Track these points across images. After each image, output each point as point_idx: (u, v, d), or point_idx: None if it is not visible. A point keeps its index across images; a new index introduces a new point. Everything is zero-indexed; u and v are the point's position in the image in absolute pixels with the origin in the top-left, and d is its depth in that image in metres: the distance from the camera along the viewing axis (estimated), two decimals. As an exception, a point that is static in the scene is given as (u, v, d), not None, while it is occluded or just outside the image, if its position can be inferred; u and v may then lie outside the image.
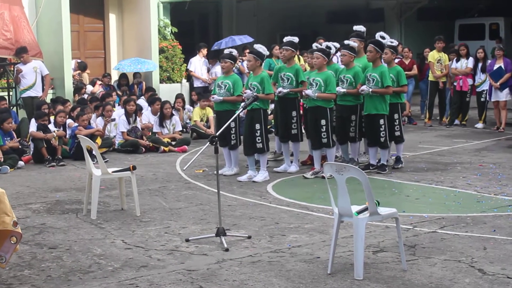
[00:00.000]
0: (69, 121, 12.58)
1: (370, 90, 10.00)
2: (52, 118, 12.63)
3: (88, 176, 8.09)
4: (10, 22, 14.47)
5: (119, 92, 16.27)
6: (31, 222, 7.66)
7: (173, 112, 14.04)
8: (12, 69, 14.47)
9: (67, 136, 12.25)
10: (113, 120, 13.05)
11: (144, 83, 16.80)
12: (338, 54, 10.89)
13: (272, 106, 11.89)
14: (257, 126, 9.99)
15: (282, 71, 10.54)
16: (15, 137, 11.97)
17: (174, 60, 17.82)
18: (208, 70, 17.55)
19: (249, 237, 6.85)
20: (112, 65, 17.76)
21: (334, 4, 24.00)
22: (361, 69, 10.34)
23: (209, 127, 14.40)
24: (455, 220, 7.49)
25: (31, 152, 11.85)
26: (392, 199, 8.61)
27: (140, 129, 13.27)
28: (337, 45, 10.76)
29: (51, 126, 12.16)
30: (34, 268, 6.04)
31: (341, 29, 18.77)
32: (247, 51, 13.58)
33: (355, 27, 11.15)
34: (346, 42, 10.42)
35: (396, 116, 10.46)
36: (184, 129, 14.61)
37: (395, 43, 10.88)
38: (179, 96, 15.57)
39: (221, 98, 10.08)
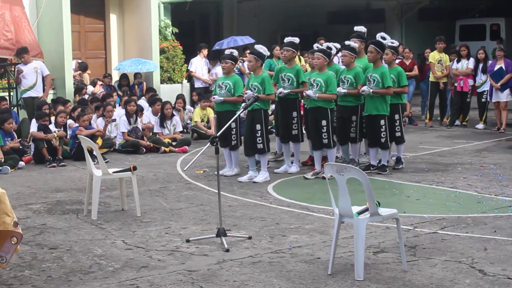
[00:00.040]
0: (69, 121, 12.58)
1: (371, 90, 10.00)
2: (52, 118, 12.65)
3: (89, 177, 8.10)
4: (11, 22, 14.47)
5: (119, 93, 16.27)
6: (31, 223, 7.66)
7: (174, 112, 14.04)
8: (13, 69, 14.48)
9: (68, 137, 12.25)
10: (114, 120, 13.06)
11: (144, 83, 16.80)
12: (339, 54, 10.88)
13: (272, 106, 11.90)
14: (258, 126, 9.99)
15: (283, 72, 10.54)
16: (16, 138, 11.97)
17: (174, 61, 17.82)
18: (209, 71, 17.55)
19: (250, 238, 6.86)
20: (113, 66, 17.76)
21: (335, 5, 24.02)
22: (361, 70, 10.34)
23: (209, 128, 14.41)
24: (456, 220, 7.49)
25: (32, 153, 11.85)
26: (393, 199, 8.61)
27: (141, 129, 13.28)
28: (338, 45, 10.75)
29: (52, 127, 12.17)
30: (35, 268, 6.04)
31: (341, 29, 18.77)
32: (248, 51, 13.58)
33: (356, 28, 11.15)
34: (346, 42, 10.43)
35: (396, 116, 10.46)
36: (185, 130, 14.62)
37: (396, 43, 10.88)
38: (180, 97, 15.57)
39: (222, 98, 10.09)
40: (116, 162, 11.51)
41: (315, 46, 11.02)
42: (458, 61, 15.56)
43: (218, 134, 7.12)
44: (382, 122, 10.19)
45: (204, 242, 6.73)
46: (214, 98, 10.26)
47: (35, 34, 15.29)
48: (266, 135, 10.05)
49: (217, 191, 7.05)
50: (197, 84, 17.41)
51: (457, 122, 15.72)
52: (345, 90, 10.19)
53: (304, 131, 10.86)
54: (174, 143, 13.07)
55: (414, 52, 17.54)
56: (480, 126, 15.32)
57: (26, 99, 13.90)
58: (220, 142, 7.52)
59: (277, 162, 11.22)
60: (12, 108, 13.93)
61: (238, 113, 8.08)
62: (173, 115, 13.72)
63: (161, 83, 17.42)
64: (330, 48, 10.45)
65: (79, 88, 15.49)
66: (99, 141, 12.09)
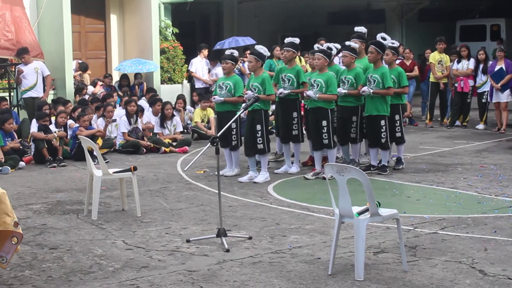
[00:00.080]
0: (70, 121, 12.59)
1: (371, 91, 10.00)
2: (53, 118, 12.65)
3: (89, 177, 8.10)
4: (12, 22, 14.48)
5: (120, 93, 16.28)
6: (32, 223, 7.66)
7: (174, 113, 14.05)
8: (13, 69, 14.48)
9: (68, 137, 12.25)
10: (114, 120, 13.06)
11: (145, 83, 16.81)
12: (340, 55, 10.88)
13: (273, 107, 11.90)
14: (258, 127, 10.00)
15: (283, 72, 10.54)
16: (16, 138, 11.98)
17: (175, 61, 17.83)
18: (209, 71, 17.55)
19: (250, 238, 6.86)
20: (113, 66, 17.76)
21: (335, 5, 24.02)
22: (362, 70, 10.35)
23: (210, 128, 14.41)
24: (456, 221, 7.49)
25: (32, 153, 11.85)
26: (393, 200, 8.61)
27: (141, 129, 13.28)
28: (338, 46, 10.75)
29: (52, 127, 12.17)
30: (35, 268, 6.04)
31: (342, 30, 18.79)
32: (248, 52, 13.59)
33: (356, 28, 11.16)
34: (347, 43, 10.43)
35: (397, 117, 10.46)
36: (185, 130, 14.62)
37: (396, 44, 10.88)
38: (180, 97, 15.58)
39: (222, 99, 10.09)
40: (116, 162, 11.51)
41: (316, 46, 11.02)
42: (458, 62, 15.56)
43: (218, 135, 7.12)
44: (383, 122, 10.19)
45: (205, 242, 6.73)
46: (214, 98, 10.26)
47: (35, 34, 15.30)
48: (266, 135, 10.06)
49: (217, 191, 7.05)
50: (198, 85, 17.41)
51: (458, 123, 15.72)
52: (346, 91, 10.19)
53: (304, 132, 10.86)
54: (174, 144, 13.07)
55: (414, 52, 17.55)
56: (481, 126, 15.32)
57: (26, 99, 13.91)
58: (221, 143, 7.52)
59: (278, 162, 11.22)
60: (12, 108, 13.94)
61: (238, 113, 8.08)
62: (173, 115, 13.72)
63: (162, 83, 17.43)
64: (330, 49, 10.45)
65: (80, 88, 15.49)
66: (100, 141, 12.09)
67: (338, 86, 10.18)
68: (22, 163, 11.37)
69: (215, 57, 17.91)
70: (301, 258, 6.21)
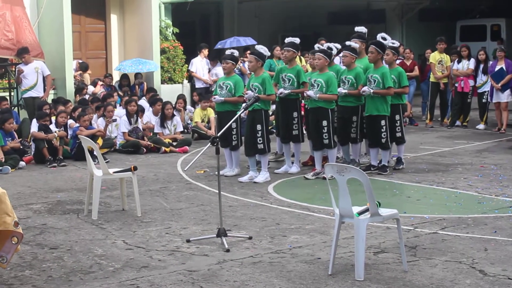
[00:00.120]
0: (70, 121, 12.59)
1: (372, 91, 10.00)
2: (53, 118, 12.65)
3: (89, 177, 8.10)
4: (12, 22, 14.48)
5: (120, 93, 16.28)
6: (32, 223, 7.66)
7: (175, 112, 14.05)
8: (13, 69, 14.48)
9: (69, 137, 12.25)
10: (114, 120, 13.07)
11: (145, 83, 16.81)
12: (340, 55, 10.88)
13: (273, 107, 11.90)
14: (258, 127, 10.00)
15: (284, 72, 10.54)
16: (16, 138, 11.98)
17: (175, 61, 17.83)
18: (209, 71, 17.55)
19: (250, 238, 6.86)
20: (114, 66, 17.76)
21: (335, 5, 24.02)
22: (362, 70, 10.35)
23: (210, 128, 14.41)
24: (456, 221, 7.49)
25: (32, 153, 11.85)
26: (393, 200, 8.61)
27: (141, 129, 13.28)
28: (339, 46, 10.75)
29: (53, 127, 12.17)
30: (35, 268, 6.04)
31: (342, 30, 18.79)
32: (248, 52, 13.59)
33: (357, 28, 11.15)
34: (347, 43, 10.43)
35: (397, 117, 10.46)
36: (185, 130, 14.62)
37: (397, 44, 10.88)
38: (181, 97, 15.58)
39: (223, 99, 10.09)
40: (116, 162, 11.51)
41: (316, 46, 11.02)
42: (458, 62, 15.56)
43: (218, 134, 7.13)
44: (383, 122, 10.19)
45: (205, 242, 6.73)
46: (214, 98, 10.26)
47: (35, 34, 15.30)
48: (266, 135, 10.06)
49: (217, 191, 7.05)
50: (198, 85, 17.41)
51: (458, 123, 15.71)
52: (346, 91, 10.19)
53: (304, 132, 10.86)
54: (174, 143, 13.08)
55: (414, 52, 17.54)
56: (481, 126, 15.32)
57: (26, 99, 13.91)
58: (221, 142, 7.52)
59: (278, 162, 11.22)
60: (12, 108, 13.94)
61: (238, 113, 8.08)
62: (173, 115, 13.72)
63: (162, 83, 17.43)
64: (330, 49, 10.45)
65: (80, 88, 15.49)
66: (100, 141, 12.09)
67: (339, 86, 10.18)
68: (22, 163, 11.37)
69: (215, 57, 17.91)
70: (301, 258, 6.21)
